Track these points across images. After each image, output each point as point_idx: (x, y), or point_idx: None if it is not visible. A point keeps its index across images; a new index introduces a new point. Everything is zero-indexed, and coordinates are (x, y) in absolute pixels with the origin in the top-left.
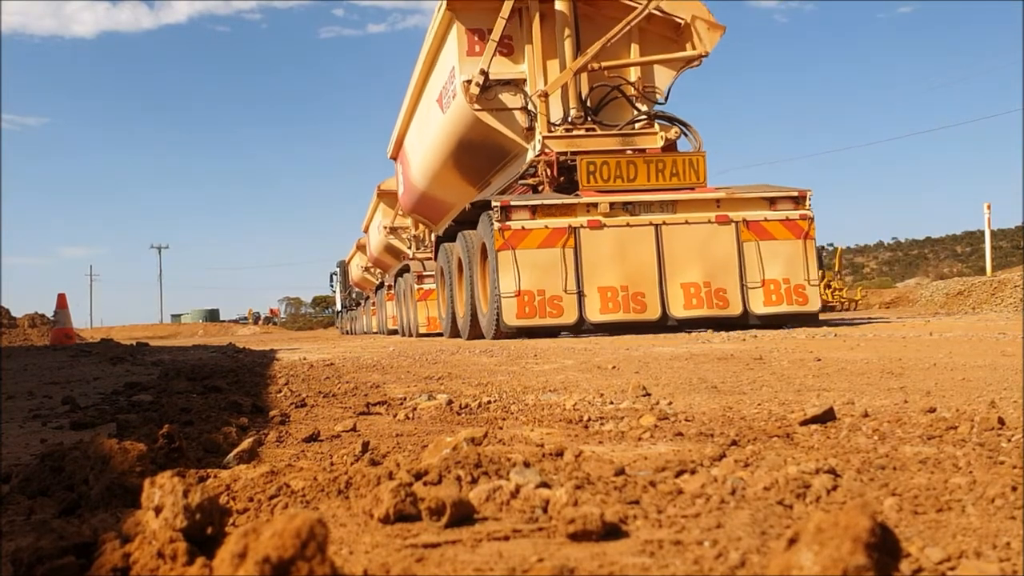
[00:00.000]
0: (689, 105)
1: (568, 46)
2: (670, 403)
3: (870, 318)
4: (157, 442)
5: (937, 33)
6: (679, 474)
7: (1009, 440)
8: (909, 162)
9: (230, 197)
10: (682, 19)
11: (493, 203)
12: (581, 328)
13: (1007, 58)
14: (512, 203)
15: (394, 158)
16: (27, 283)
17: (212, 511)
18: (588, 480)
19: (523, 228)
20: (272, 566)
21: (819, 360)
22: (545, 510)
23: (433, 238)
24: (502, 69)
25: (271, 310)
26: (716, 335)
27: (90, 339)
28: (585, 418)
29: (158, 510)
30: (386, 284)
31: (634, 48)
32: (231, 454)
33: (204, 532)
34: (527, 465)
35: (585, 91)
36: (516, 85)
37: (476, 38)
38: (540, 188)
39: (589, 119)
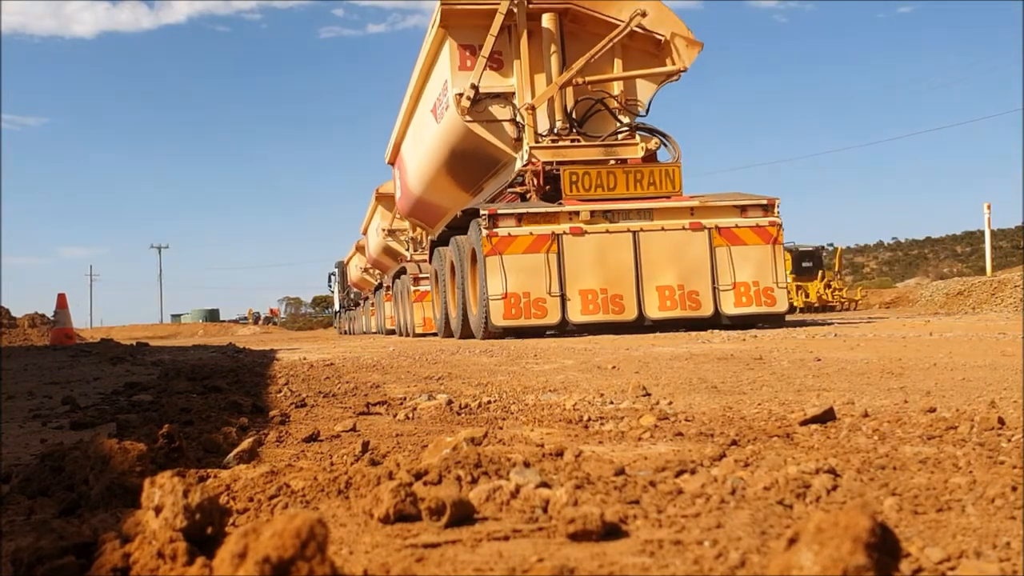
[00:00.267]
0: (689, 105)
1: (554, 61)
2: (670, 403)
3: (833, 320)
4: (157, 442)
5: (937, 33)
6: (679, 474)
7: (1009, 440)
8: (909, 162)
9: (230, 197)
10: (662, 36)
11: (482, 211)
12: (564, 328)
13: (1007, 58)
14: (499, 211)
15: (392, 163)
16: (27, 283)
17: (212, 511)
18: (588, 480)
19: (509, 234)
20: (272, 566)
21: (819, 360)
22: (545, 510)
23: (428, 241)
24: (492, 83)
25: (271, 310)
26: (716, 335)
27: (90, 339)
28: (585, 418)
29: (158, 510)
30: (384, 285)
31: (617, 63)
32: (231, 454)
33: (204, 532)
34: (527, 465)
35: (570, 104)
36: (505, 98)
37: (468, 53)
38: (528, 196)
39: (574, 131)
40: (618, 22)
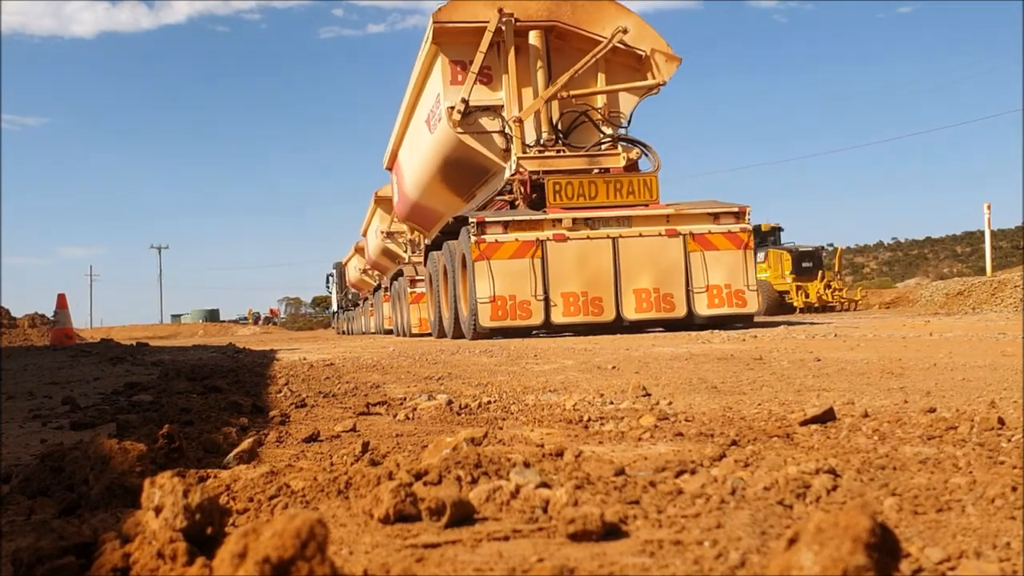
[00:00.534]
0: (688, 105)
1: (541, 76)
2: (670, 403)
3: (833, 320)
4: (157, 442)
5: (937, 33)
6: (679, 474)
7: (1009, 440)
8: (909, 162)
9: (230, 197)
10: (643, 51)
11: (471, 219)
12: (547, 329)
13: (1007, 58)
14: (487, 219)
15: (389, 169)
16: (27, 283)
17: (212, 511)
18: (588, 480)
19: (496, 241)
20: (272, 566)
21: (819, 360)
22: (545, 510)
23: (424, 244)
24: (482, 97)
25: (271, 310)
26: (716, 335)
27: (90, 339)
28: (585, 418)
29: (158, 510)
30: (383, 287)
31: (601, 77)
32: (231, 454)
33: (204, 532)
34: (527, 465)
35: (556, 116)
36: (494, 111)
37: (459, 68)
38: (516, 203)
39: (560, 141)
40: (601, 38)
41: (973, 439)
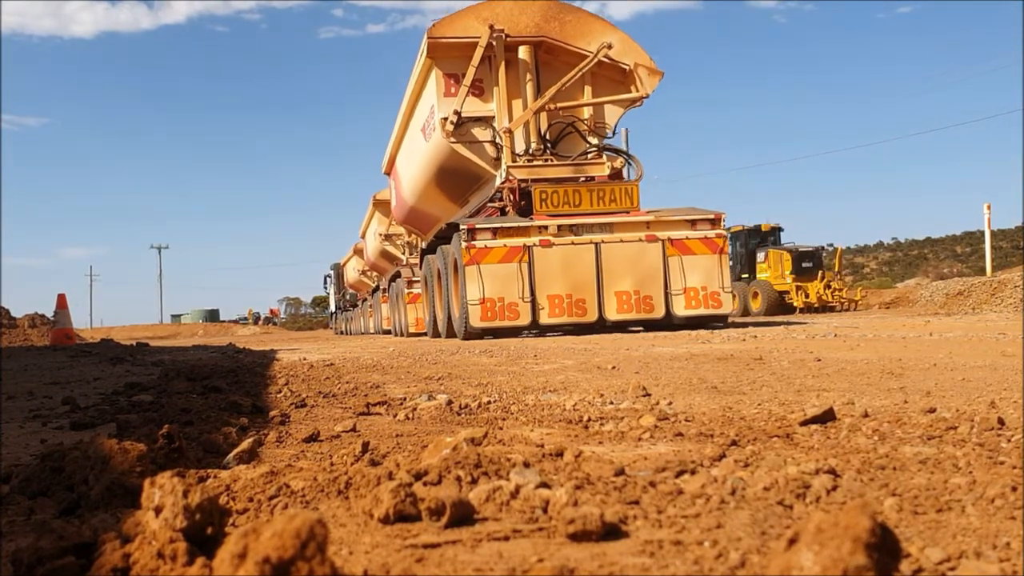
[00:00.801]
0: (688, 105)
1: (530, 88)
2: (670, 403)
3: (833, 320)
4: (157, 442)
5: (937, 33)
6: (679, 474)
7: (1009, 440)
8: (909, 162)
9: (230, 197)
10: (627, 65)
11: (462, 225)
12: (534, 329)
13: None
14: (477, 226)
15: (387, 173)
16: (27, 283)
17: (212, 511)
18: (588, 480)
19: (486, 246)
20: (272, 566)
21: (819, 360)
22: (545, 510)
23: (420, 248)
24: (474, 108)
25: (271, 310)
26: (716, 335)
27: (90, 339)
28: (585, 418)
29: (158, 510)
30: (381, 288)
31: (587, 90)
32: (231, 454)
33: (204, 532)
34: (527, 465)
35: (544, 127)
36: (486, 121)
37: (452, 81)
38: (506, 210)
39: (548, 151)
40: (587, 53)
41: (973, 439)
